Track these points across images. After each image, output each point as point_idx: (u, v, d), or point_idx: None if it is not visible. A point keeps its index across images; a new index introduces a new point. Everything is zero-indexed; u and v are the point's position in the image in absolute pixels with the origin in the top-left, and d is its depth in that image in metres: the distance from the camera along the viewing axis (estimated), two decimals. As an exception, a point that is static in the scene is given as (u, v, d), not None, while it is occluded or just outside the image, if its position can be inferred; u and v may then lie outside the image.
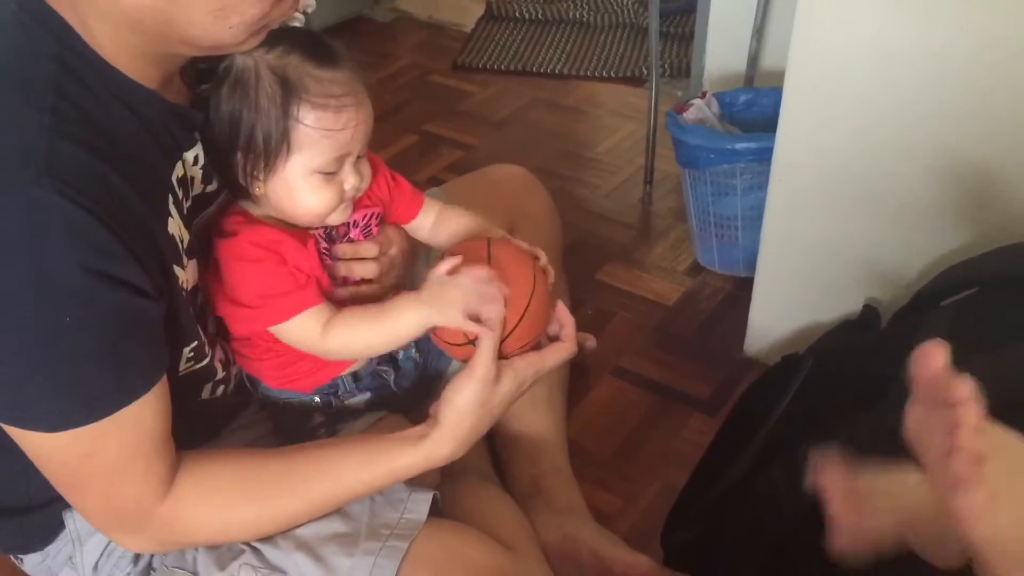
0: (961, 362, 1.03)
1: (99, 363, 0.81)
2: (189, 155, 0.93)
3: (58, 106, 0.78)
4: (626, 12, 2.84)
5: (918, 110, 1.31)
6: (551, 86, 2.57)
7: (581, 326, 1.66)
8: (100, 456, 0.84)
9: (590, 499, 1.36)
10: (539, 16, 2.86)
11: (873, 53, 1.30)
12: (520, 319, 0.98)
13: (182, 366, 0.94)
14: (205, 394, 1.01)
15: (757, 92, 1.88)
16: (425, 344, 1.14)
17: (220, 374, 1.02)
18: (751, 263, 1.63)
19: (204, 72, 0.95)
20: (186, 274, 0.92)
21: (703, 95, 1.86)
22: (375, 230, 1.07)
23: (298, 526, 0.97)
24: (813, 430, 1.10)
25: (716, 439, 1.38)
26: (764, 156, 1.55)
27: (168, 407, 0.88)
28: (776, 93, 1.44)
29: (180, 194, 0.92)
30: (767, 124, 1.60)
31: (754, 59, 2.08)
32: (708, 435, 1.41)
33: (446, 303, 0.94)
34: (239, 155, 0.93)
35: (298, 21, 0.94)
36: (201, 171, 0.96)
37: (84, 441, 0.82)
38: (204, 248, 0.98)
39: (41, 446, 0.83)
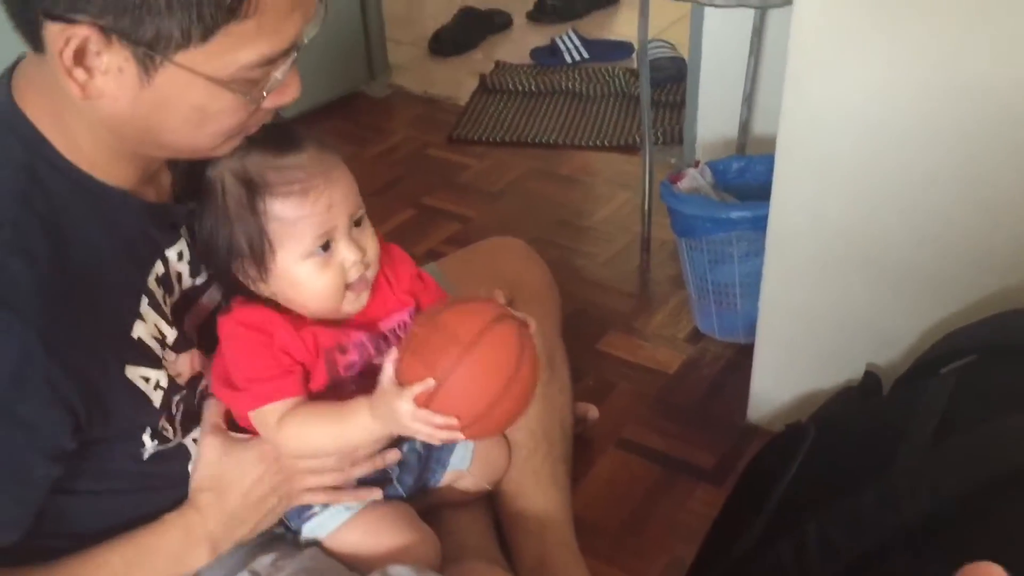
0: (961, 432, 1.03)
1: None
2: (172, 252, 0.93)
3: (19, 219, 0.79)
4: (618, 82, 2.88)
5: (911, 177, 1.32)
6: (546, 156, 2.60)
7: (582, 397, 1.67)
8: None
9: (597, 575, 1.34)
10: (532, 88, 2.90)
11: (863, 121, 1.32)
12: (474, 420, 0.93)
13: (148, 449, 0.93)
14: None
15: (750, 160, 1.90)
16: None
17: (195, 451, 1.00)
18: (751, 330, 1.63)
19: (191, 174, 0.95)
20: (165, 371, 0.90)
21: (696, 164, 1.88)
22: None
23: None
24: (819, 501, 1.10)
25: (723, 511, 1.37)
26: (759, 224, 1.56)
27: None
28: (769, 160, 1.46)
29: (160, 293, 0.91)
30: (761, 191, 1.62)
31: (745, 126, 2.11)
32: (714, 506, 1.40)
33: (393, 422, 0.92)
34: (233, 266, 0.93)
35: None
36: (188, 265, 0.96)
37: None
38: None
39: None
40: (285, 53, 0.80)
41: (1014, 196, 1.26)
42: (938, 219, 1.33)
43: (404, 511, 1.09)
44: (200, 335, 1.00)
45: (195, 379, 0.96)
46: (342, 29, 2.80)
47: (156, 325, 0.90)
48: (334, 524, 1.04)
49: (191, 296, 0.97)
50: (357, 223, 0.96)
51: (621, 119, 2.74)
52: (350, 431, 0.95)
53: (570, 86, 2.89)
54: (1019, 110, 1.20)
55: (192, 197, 0.96)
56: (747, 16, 1.97)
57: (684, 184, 1.82)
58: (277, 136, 0.92)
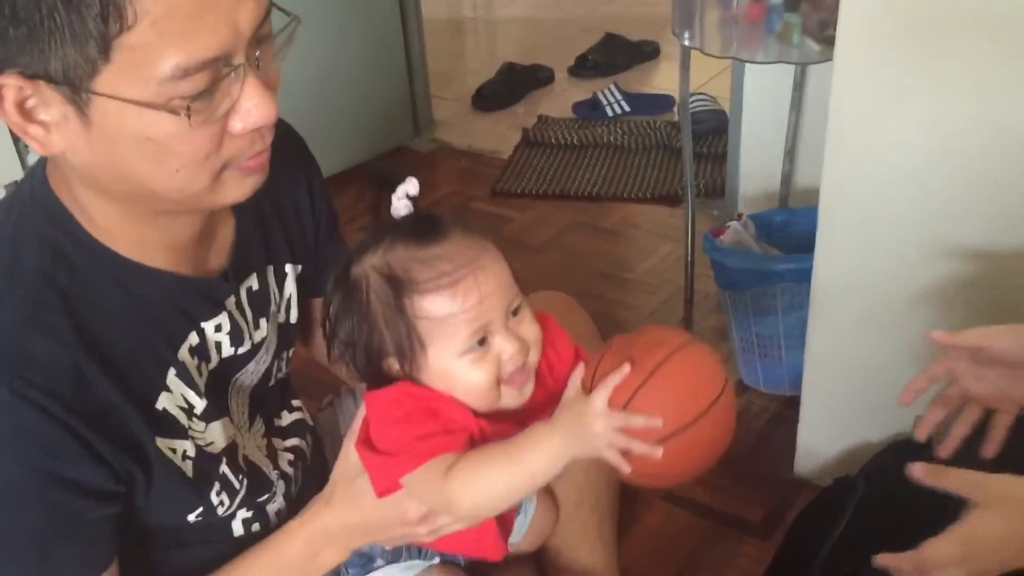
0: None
1: (18, 564, 0.81)
2: (209, 324, 0.92)
3: (42, 296, 0.80)
4: (659, 134, 2.91)
5: (955, 229, 1.32)
6: (588, 209, 2.63)
7: (628, 451, 1.67)
8: None
9: (644, 631, 1.33)
10: (574, 141, 2.94)
11: (906, 173, 1.33)
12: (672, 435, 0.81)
13: (193, 521, 0.94)
14: (237, 531, 1.00)
15: (792, 212, 1.91)
16: None
17: (247, 514, 1.00)
18: (796, 382, 1.63)
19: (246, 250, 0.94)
20: (202, 437, 0.91)
21: (739, 217, 1.89)
22: None
23: None
24: (870, 558, 1.08)
25: (771, 567, 1.36)
26: (803, 276, 1.57)
27: None
28: (811, 212, 1.47)
29: (195, 363, 0.91)
30: (804, 243, 1.62)
31: (787, 179, 2.12)
32: (762, 561, 1.39)
33: (579, 434, 0.81)
34: (383, 364, 0.87)
35: (406, 208, 0.87)
36: (228, 336, 0.95)
37: None
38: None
39: None
40: (215, 64, 0.73)
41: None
42: (983, 272, 1.32)
43: (458, 573, 1.09)
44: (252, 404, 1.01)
45: (229, 450, 0.96)
46: (388, 86, 2.87)
47: (183, 395, 0.90)
48: None
49: (232, 365, 0.97)
50: (514, 312, 0.87)
51: (663, 171, 2.76)
52: (531, 460, 0.83)
53: (612, 139, 2.93)
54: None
55: (242, 276, 0.96)
56: (788, 70, 1.99)
57: (727, 237, 1.83)
58: (420, 226, 0.86)
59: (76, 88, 0.72)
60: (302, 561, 0.95)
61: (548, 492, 1.22)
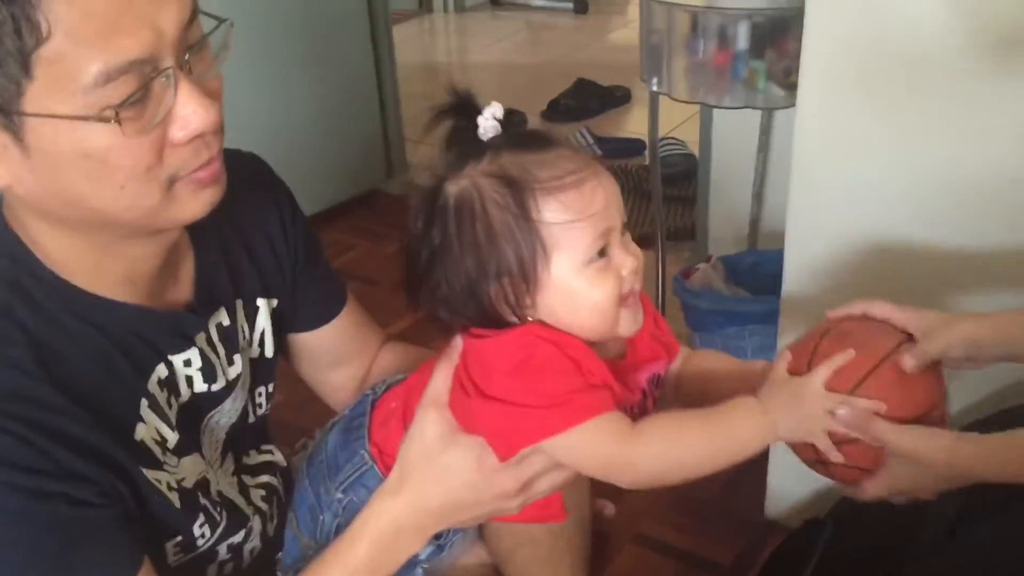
0: (977, 530, 1.03)
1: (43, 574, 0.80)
2: (177, 359, 0.91)
3: (2, 330, 0.79)
4: (631, 177, 2.94)
5: (917, 269, 1.34)
6: (561, 251, 2.64)
7: (599, 492, 1.66)
8: None
9: (616, 676, 1.32)
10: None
11: (868, 212, 1.35)
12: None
13: (171, 559, 0.92)
14: (211, 574, 0.99)
15: (761, 254, 1.93)
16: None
17: (225, 555, 0.99)
18: (766, 423, 1.63)
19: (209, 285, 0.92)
20: (175, 473, 0.90)
21: (709, 259, 1.91)
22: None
23: None
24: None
25: (742, 609, 1.36)
26: (771, 318, 1.58)
27: None
28: (779, 254, 1.49)
29: (164, 396, 0.90)
30: (773, 285, 1.64)
31: (756, 221, 2.15)
32: (734, 604, 1.39)
33: (794, 410, 0.79)
34: (491, 291, 0.79)
35: (494, 130, 0.80)
36: (200, 372, 0.93)
37: None
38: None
39: None
40: (140, 67, 0.72)
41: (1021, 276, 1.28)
42: (947, 307, 1.34)
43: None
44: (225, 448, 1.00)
45: (200, 485, 0.94)
46: (362, 129, 2.89)
47: (156, 428, 0.89)
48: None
49: (206, 401, 0.96)
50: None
51: (634, 214, 2.79)
52: (738, 431, 0.79)
53: (584, 182, 2.95)
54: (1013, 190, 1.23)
55: (209, 311, 0.94)
56: (755, 115, 2.03)
57: (696, 279, 1.85)
58: (525, 136, 0.80)
59: (6, 112, 0.71)
60: (369, 562, 0.88)
61: None
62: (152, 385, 0.89)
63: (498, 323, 0.80)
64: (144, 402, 0.88)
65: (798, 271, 1.44)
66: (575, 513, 1.35)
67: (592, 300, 0.79)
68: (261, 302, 1.04)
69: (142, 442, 0.87)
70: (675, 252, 2.45)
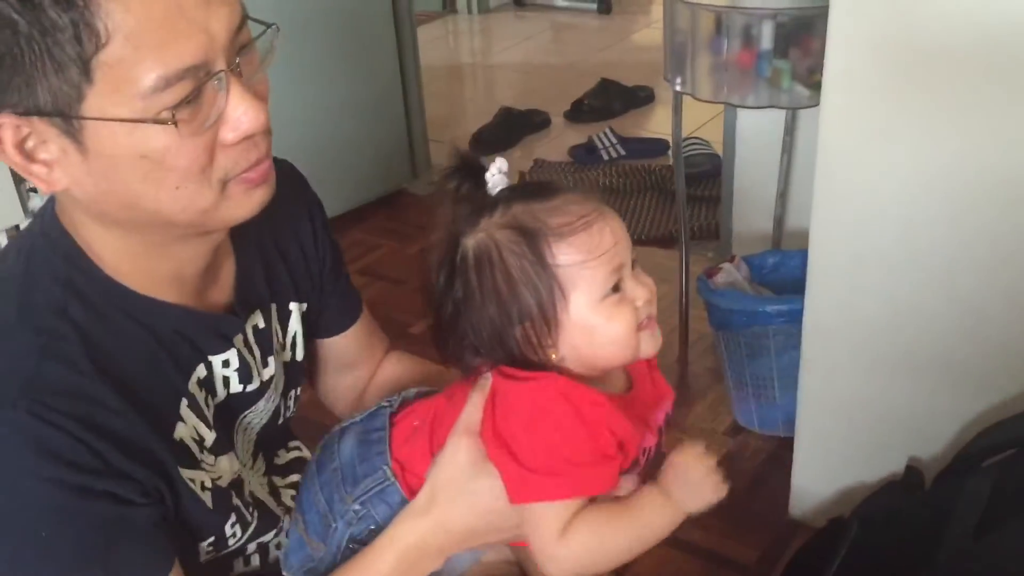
0: (1003, 528, 1.03)
1: (85, 573, 0.81)
2: (216, 359, 0.93)
3: (56, 328, 0.81)
4: (654, 177, 2.94)
5: (946, 272, 1.34)
6: (584, 251, 2.64)
7: (623, 491, 1.67)
8: None
9: (640, 674, 1.33)
10: (570, 184, 2.97)
11: (893, 214, 1.35)
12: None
13: (203, 557, 0.94)
14: (237, 569, 1.00)
15: (785, 254, 1.93)
16: None
17: (253, 551, 1.01)
18: (790, 422, 1.63)
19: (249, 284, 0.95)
20: (209, 473, 0.91)
21: (732, 259, 1.91)
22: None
23: None
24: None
25: (766, 608, 1.36)
26: (795, 317, 1.58)
27: None
28: (804, 254, 1.49)
29: (203, 395, 0.92)
30: (797, 285, 1.64)
31: (780, 221, 2.14)
32: (758, 603, 1.39)
33: (695, 489, 0.86)
34: (517, 336, 0.83)
35: (502, 183, 0.85)
36: (236, 373, 0.95)
37: None
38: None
39: None
40: (195, 72, 0.74)
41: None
42: (973, 311, 1.34)
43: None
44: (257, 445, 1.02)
45: (234, 484, 0.96)
46: (387, 130, 2.91)
47: (195, 427, 0.90)
48: None
49: (241, 401, 0.98)
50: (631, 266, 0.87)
51: (658, 214, 2.79)
52: (653, 523, 0.85)
53: (607, 182, 2.96)
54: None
55: (247, 313, 0.96)
56: (779, 114, 2.03)
57: (720, 278, 1.85)
58: (531, 188, 0.86)
59: (67, 117, 0.73)
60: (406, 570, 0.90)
61: None
62: (192, 385, 0.91)
63: (526, 364, 0.84)
64: (184, 401, 0.89)
65: (823, 271, 1.44)
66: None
67: (611, 333, 0.83)
68: (293, 306, 1.05)
69: (181, 441, 0.88)
70: (698, 252, 2.45)
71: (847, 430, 1.53)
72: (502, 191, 0.84)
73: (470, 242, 0.83)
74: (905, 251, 1.35)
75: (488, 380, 0.88)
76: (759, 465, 1.80)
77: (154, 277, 0.87)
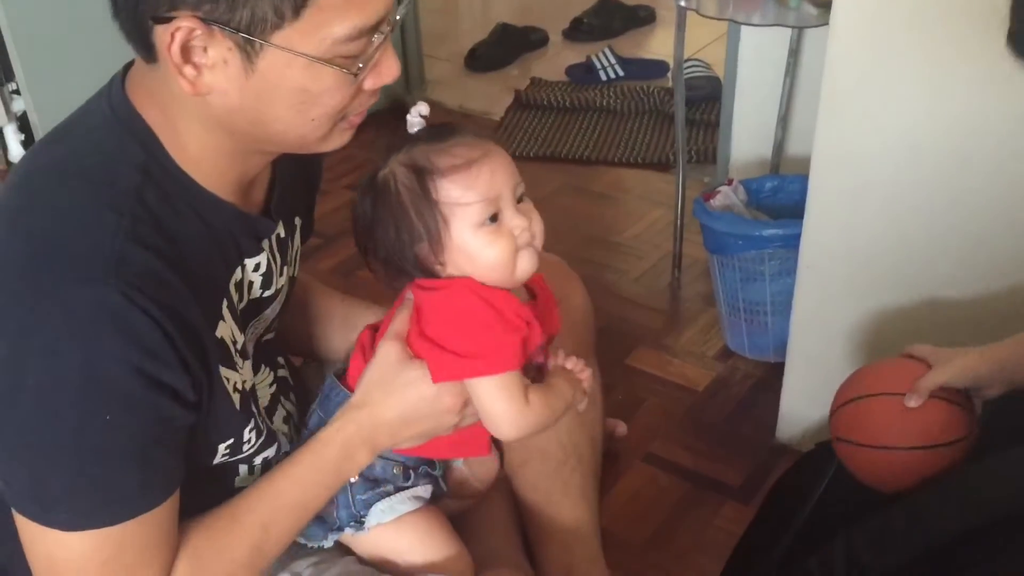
0: (992, 453, 1.03)
1: (127, 466, 0.82)
2: (250, 262, 0.96)
3: (136, 212, 0.82)
4: (652, 100, 2.90)
5: (945, 199, 1.32)
6: (579, 172, 2.62)
7: (611, 412, 1.68)
8: (118, 562, 0.84)
9: (623, 589, 1.35)
10: (567, 104, 2.93)
11: (898, 142, 1.32)
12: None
13: (216, 459, 0.96)
14: (239, 482, 1.02)
15: (783, 179, 1.90)
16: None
17: (258, 468, 1.03)
18: (781, 349, 1.63)
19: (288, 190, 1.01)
20: (240, 374, 0.93)
21: (730, 182, 1.89)
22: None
23: (281, 545, 0.98)
24: (848, 520, 1.09)
25: (750, 529, 1.37)
26: (792, 242, 1.57)
27: (177, 510, 0.89)
28: (802, 180, 1.47)
29: (236, 297, 0.94)
30: (794, 210, 1.62)
31: (780, 146, 2.11)
32: (741, 524, 1.39)
33: (570, 395, 1.05)
34: (415, 253, 0.97)
35: (419, 125, 0.99)
36: (261, 277, 0.98)
37: (103, 545, 0.83)
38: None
39: (57, 549, 0.83)
40: (375, 27, 0.82)
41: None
42: (970, 240, 1.33)
43: (446, 524, 1.11)
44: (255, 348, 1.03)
45: (252, 390, 0.98)
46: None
47: (231, 328, 0.93)
48: (404, 509, 1.07)
49: (254, 307, 1.00)
50: (519, 200, 0.99)
51: (655, 137, 2.75)
52: (561, 409, 1.04)
53: (605, 103, 2.91)
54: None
55: (278, 215, 1.00)
56: (783, 36, 1.98)
57: (717, 202, 1.83)
58: (436, 130, 0.99)
59: (253, 39, 0.78)
60: (337, 464, 1.00)
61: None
62: (232, 285, 0.94)
63: (433, 275, 0.99)
64: (225, 302, 0.92)
65: (823, 196, 1.42)
66: (587, 431, 1.37)
67: (488, 256, 0.96)
68: (298, 221, 1.08)
69: (222, 339, 0.91)
70: (695, 177, 2.43)
71: (838, 356, 1.53)
72: (418, 132, 0.98)
73: (380, 174, 0.97)
74: (909, 176, 1.33)
75: (412, 299, 1.02)
76: (748, 390, 1.81)
77: (223, 177, 0.90)
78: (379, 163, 0.99)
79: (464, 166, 0.95)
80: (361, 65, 0.83)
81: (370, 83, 0.86)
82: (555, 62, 3.23)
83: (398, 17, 0.85)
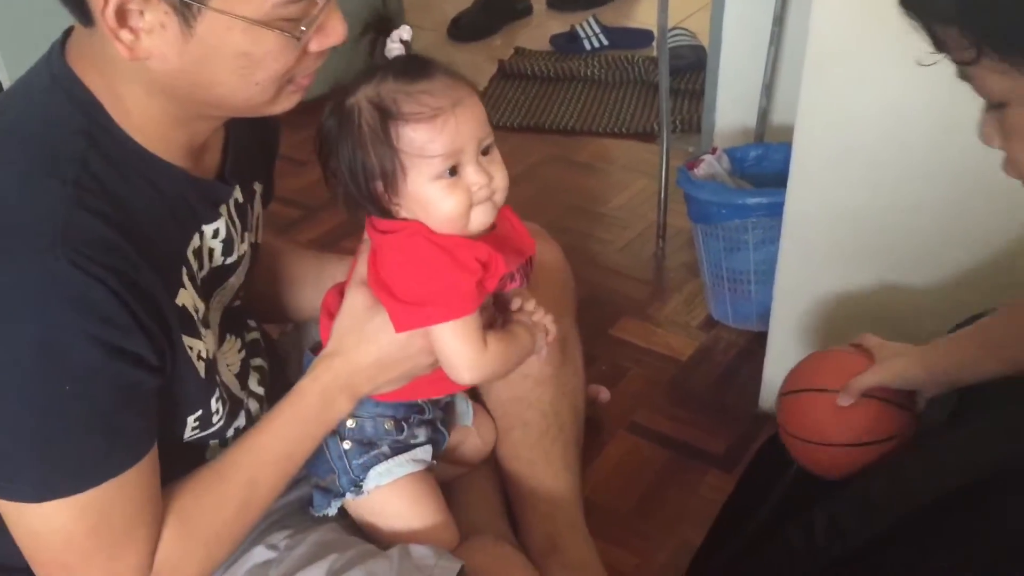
0: (974, 419, 1.04)
1: (90, 434, 0.81)
2: (208, 228, 0.95)
3: (81, 179, 0.81)
4: (637, 69, 2.88)
5: (928, 167, 1.32)
6: (563, 142, 2.60)
7: (595, 381, 1.68)
8: (105, 528, 0.84)
9: (605, 556, 1.35)
10: (551, 74, 2.90)
11: (881, 112, 1.31)
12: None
13: (187, 434, 0.95)
14: (209, 455, 1.01)
15: (767, 147, 1.90)
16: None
17: (229, 434, 1.02)
18: (764, 317, 1.63)
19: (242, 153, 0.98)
20: (204, 343, 0.92)
21: (714, 151, 1.88)
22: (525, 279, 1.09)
23: (268, 500, 0.99)
24: (828, 487, 1.10)
25: (732, 496, 1.37)
26: (775, 211, 1.56)
27: (157, 472, 0.89)
28: (786, 148, 1.46)
29: (195, 266, 0.93)
30: (778, 179, 1.62)
31: (764, 115, 2.10)
32: (724, 492, 1.40)
33: (529, 342, 1.05)
34: (371, 189, 0.96)
35: (398, 50, 0.96)
36: (221, 244, 0.97)
37: (85, 514, 0.83)
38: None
39: (38, 524, 0.83)
40: None
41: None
42: (953, 207, 1.32)
43: (438, 491, 1.11)
44: (223, 316, 1.02)
45: (214, 360, 0.97)
46: (361, 14, 2.81)
47: (192, 297, 0.91)
48: (401, 472, 1.07)
49: (217, 275, 0.98)
50: (485, 152, 0.97)
51: (640, 106, 2.74)
52: (523, 355, 1.04)
53: (589, 73, 2.89)
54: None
55: (234, 179, 0.98)
56: (768, 4, 1.97)
57: (701, 170, 1.82)
58: (410, 64, 0.95)
59: (191, 2, 0.76)
60: (318, 413, 1.01)
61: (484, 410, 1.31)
62: (190, 253, 0.92)
63: (388, 213, 0.97)
64: (184, 269, 0.90)
65: (806, 165, 1.41)
66: (569, 400, 1.37)
67: (442, 209, 0.95)
68: (257, 186, 1.07)
69: (183, 307, 0.89)
70: (679, 147, 2.42)
71: (821, 324, 1.53)
72: (395, 59, 0.95)
73: (349, 100, 0.94)
74: (892, 145, 1.32)
75: (369, 241, 1.01)
76: (731, 359, 1.81)
77: (169, 142, 0.88)
78: (345, 89, 0.95)
79: (429, 117, 0.92)
80: (304, 28, 0.81)
81: (315, 45, 0.84)
82: (539, 31, 3.21)
83: None
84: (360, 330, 1.00)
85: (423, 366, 1.03)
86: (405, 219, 0.97)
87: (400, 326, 0.97)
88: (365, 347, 1.00)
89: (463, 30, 3.16)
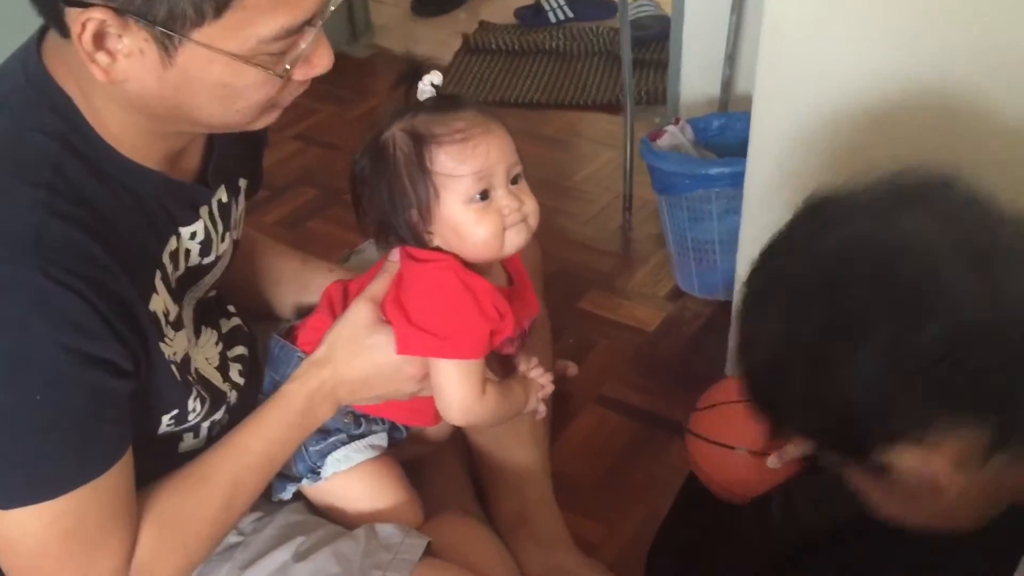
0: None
1: (63, 441, 0.81)
2: (186, 231, 0.94)
3: (54, 183, 0.79)
4: (601, 40, 2.86)
5: (888, 134, 1.32)
6: (529, 116, 2.59)
7: (563, 355, 1.68)
8: (80, 533, 0.84)
9: (574, 528, 1.36)
10: (515, 47, 2.89)
11: (840, 78, 1.32)
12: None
13: (161, 429, 0.95)
14: (183, 448, 1.01)
15: (730, 116, 1.90)
16: None
17: (204, 432, 1.02)
18: (730, 287, 1.64)
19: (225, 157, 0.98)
20: (172, 347, 0.91)
21: (676, 121, 1.88)
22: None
23: (249, 501, 1.00)
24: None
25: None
26: (738, 181, 1.57)
27: (132, 475, 0.88)
28: (749, 117, 1.46)
29: (170, 268, 0.92)
30: (741, 148, 1.61)
31: (728, 85, 2.10)
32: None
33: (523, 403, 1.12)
34: (406, 219, 0.99)
35: (429, 93, 1.00)
36: (199, 245, 0.96)
37: (59, 519, 0.82)
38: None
39: (12, 530, 0.82)
40: (308, 23, 0.79)
41: (991, 155, 1.26)
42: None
43: (400, 472, 1.12)
44: (196, 311, 1.01)
45: (186, 361, 0.96)
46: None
47: (164, 301, 0.90)
48: (359, 458, 1.08)
49: (193, 274, 0.98)
50: (514, 181, 1.01)
51: (605, 78, 2.73)
52: (518, 407, 1.10)
53: (554, 46, 2.88)
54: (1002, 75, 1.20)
55: (216, 182, 0.97)
56: (730, -27, 1.96)
57: (664, 141, 1.82)
58: (441, 100, 1.00)
59: (172, 33, 0.74)
60: (302, 418, 1.02)
61: None
62: (165, 256, 0.91)
63: (422, 243, 1.01)
64: (158, 273, 0.89)
65: (764, 134, 1.41)
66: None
67: (477, 234, 0.98)
68: (242, 182, 1.06)
69: (155, 313, 0.88)
70: (644, 118, 2.41)
71: (784, 293, 1.54)
72: (426, 100, 0.99)
73: (382, 136, 0.99)
74: (849, 110, 1.33)
75: (394, 263, 1.05)
76: (698, 329, 1.82)
77: (147, 150, 0.87)
78: (379, 127, 1.00)
79: (461, 139, 0.96)
80: (288, 66, 0.80)
81: (300, 75, 0.83)
82: (504, 5, 3.18)
83: (332, 8, 0.82)
84: (356, 343, 1.02)
85: (404, 393, 1.05)
86: (439, 249, 1.00)
87: (404, 348, 1.00)
88: (358, 361, 1.02)
89: (427, 5, 3.13)
